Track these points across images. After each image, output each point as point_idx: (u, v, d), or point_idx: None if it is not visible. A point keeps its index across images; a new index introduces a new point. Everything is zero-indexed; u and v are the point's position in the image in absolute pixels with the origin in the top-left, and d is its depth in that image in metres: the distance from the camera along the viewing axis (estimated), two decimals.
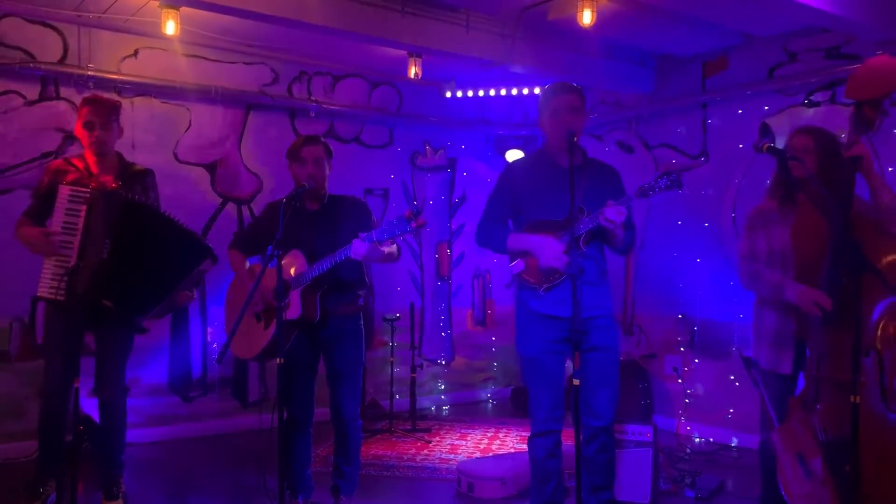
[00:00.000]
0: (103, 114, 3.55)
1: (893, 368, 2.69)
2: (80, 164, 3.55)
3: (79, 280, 3.26)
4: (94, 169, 3.55)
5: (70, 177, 3.49)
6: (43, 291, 3.37)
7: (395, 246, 3.47)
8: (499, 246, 3.25)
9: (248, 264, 3.72)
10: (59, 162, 3.64)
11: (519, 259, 3.17)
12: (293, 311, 3.38)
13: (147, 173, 3.71)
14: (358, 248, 3.23)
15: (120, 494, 3.67)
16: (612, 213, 2.91)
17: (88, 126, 3.51)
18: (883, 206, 2.84)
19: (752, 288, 3.26)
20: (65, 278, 3.25)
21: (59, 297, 3.33)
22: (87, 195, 3.39)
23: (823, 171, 3.05)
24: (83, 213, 3.38)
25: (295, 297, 3.39)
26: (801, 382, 3.09)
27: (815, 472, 2.78)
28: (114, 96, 5.06)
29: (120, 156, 3.68)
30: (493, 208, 3.31)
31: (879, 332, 2.71)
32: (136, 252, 3.43)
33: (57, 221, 3.39)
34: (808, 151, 3.09)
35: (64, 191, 3.38)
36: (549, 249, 3.03)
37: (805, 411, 2.88)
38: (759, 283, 3.19)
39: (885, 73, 2.75)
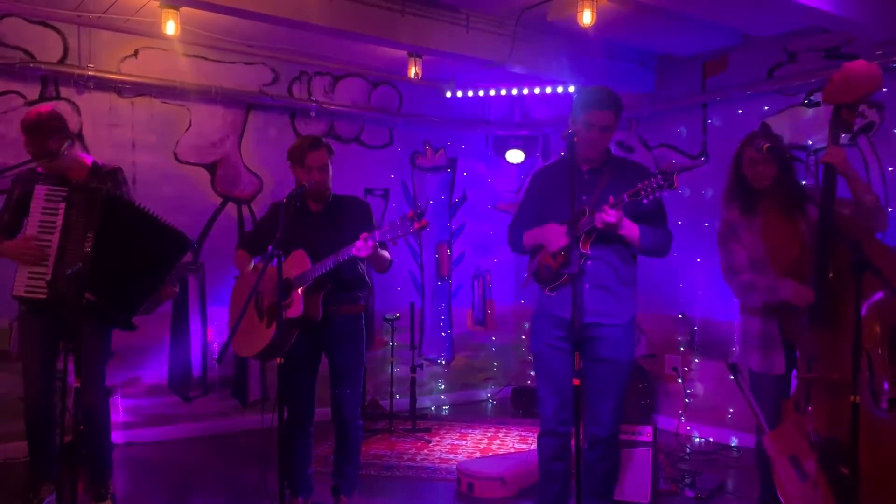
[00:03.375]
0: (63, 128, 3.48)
1: (881, 367, 2.72)
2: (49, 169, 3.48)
3: (61, 276, 3.19)
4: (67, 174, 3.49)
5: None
6: (19, 290, 3.30)
7: (388, 253, 3.49)
8: (519, 245, 3.33)
9: (252, 264, 3.72)
10: (26, 171, 3.52)
11: (535, 259, 3.21)
12: (295, 310, 3.38)
13: (117, 171, 3.69)
14: (361, 246, 3.21)
15: (108, 496, 3.62)
16: (603, 215, 2.89)
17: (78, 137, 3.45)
18: (865, 208, 2.88)
19: (747, 300, 3.20)
20: (45, 276, 3.16)
21: (39, 296, 3.26)
22: (65, 192, 3.33)
23: (779, 179, 3.11)
24: (62, 211, 3.31)
25: (298, 296, 3.39)
26: (794, 384, 3.10)
27: (809, 474, 2.80)
28: (113, 96, 5.09)
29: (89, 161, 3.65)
30: (521, 213, 3.40)
31: (867, 332, 2.71)
32: (121, 247, 3.37)
33: (33, 223, 3.32)
34: (766, 161, 3.12)
35: (40, 190, 3.32)
36: (553, 232, 3.08)
37: (798, 414, 2.90)
38: (753, 292, 3.13)
39: (862, 77, 2.83)
